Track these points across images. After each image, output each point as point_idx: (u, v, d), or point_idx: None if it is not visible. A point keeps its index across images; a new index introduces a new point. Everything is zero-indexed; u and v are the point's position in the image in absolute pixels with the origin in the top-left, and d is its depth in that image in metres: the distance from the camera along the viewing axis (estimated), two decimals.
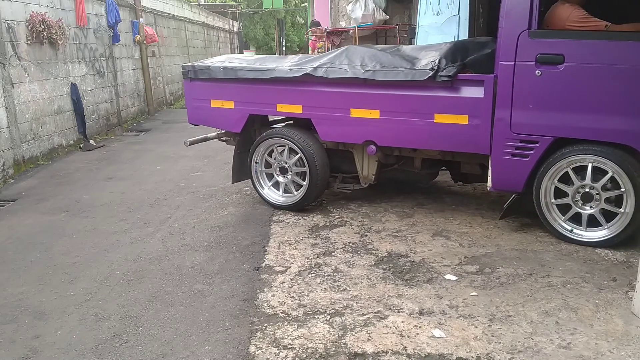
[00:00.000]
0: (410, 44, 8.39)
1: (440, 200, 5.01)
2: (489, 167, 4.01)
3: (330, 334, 2.81)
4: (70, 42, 8.52)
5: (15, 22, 6.93)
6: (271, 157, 4.87)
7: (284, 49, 37.14)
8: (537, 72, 3.69)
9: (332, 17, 9.42)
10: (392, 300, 3.14)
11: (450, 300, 3.13)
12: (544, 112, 3.73)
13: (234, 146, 5.26)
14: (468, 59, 4.10)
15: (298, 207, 4.77)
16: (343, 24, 8.96)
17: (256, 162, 4.92)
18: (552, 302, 3.06)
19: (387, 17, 8.61)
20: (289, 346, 2.71)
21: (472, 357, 2.57)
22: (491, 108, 3.85)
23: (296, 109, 4.61)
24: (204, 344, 2.78)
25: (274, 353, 2.66)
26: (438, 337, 2.74)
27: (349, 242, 4.06)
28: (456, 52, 4.08)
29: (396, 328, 2.84)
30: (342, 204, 4.99)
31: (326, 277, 3.48)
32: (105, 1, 10.00)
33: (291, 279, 3.47)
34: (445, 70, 3.90)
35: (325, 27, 9.06)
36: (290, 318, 2.99)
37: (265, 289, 3.35)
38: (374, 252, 3.86)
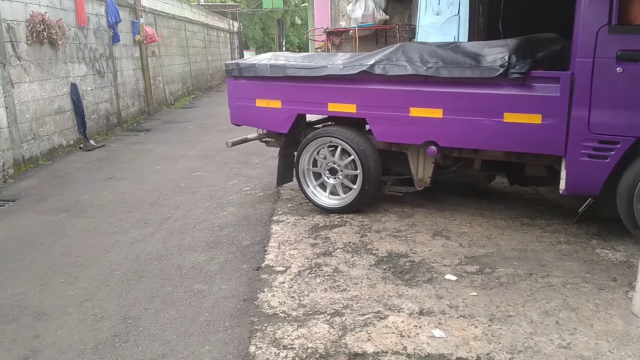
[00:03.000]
0: None
1: (440, 200, 5.01)
2: (562, 170, 3.80)
3: (330, 334, 2.81)
4: (70, 42, 8.52)
5: (15, 22, 6.93)
6: (320, 156, 4.72)
7: (284, 49, 37.18)
8: (618, 69, 3.51)
9: (332, 17, 9.42)
10: (392, 300, 3.14)
11: (450, 300, 3.13)
12: (626, 111, 3.53)
13: (272, 147, 5.13)
14: (538, 55, 3.87)
15: (347, 211, 4.63)
16: (343, 24, 8.96)
17: (304, 161, 4.75)
18: (552, 302, 3.06)
19: (387, 17, 8.61)
20: (289, 346, 2.71)
21: (472, 357, 2.57)
22: (567, 107, 3.66)
23: (349, 108, 4.42)
24: (204, 344, 2.78)
25: (274, 353, 2.66)
26: (438, 337, 2.74)
27: (349, 242, 4.06)
28: (525, 48, 3.86)
29: (396, 328, 2.84)
30: None
31: (326, 277, 3.48)
32: (105, 1, 10.00)
33: (291, 279, 3.47)
34: (517, 67, 3.70)
35: (325, 27, 9.06)
36: (290, 318, 2.99)
37: (265, 289, 3.35)
38: (374, 252, 3.86)
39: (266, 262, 3.76)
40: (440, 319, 2.92)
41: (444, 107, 4.05)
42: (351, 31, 8.48)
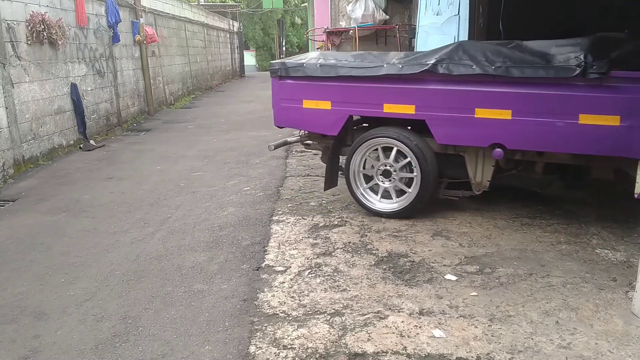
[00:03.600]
0: (410, 44, 8.39)
1: (440, 201, 5.00)
2: (638, 173, 3.61)
3: (330, 334, 2.81)
4: (70, 42, 8.52)
5: (15, 22, 6.93)
6: (372, 158, 4.56)
7: (283, 49, 37.17)
8: None
9: (332, 17, 9.42)
10: (392, 300, 3.14)
11: (450, 300, 3.13)
12: None
13: (314, 150, 5.00)
14: (612, 55, 3.68)
15: (401, 215, 4.47)
16: (343, 24, 8.96)
17: (355, 163, 4.58)
18: (552, 302, 3.06)
19: (387, 17, 8.61)
20: (289, 346, 2.71)
21: (472, 357, 2.57)
22: None
23: (407, 110, 4.23)
24: (204, 344, 2.78)
25: (274, 353, 2.66)
26: (438, 337, 2.74)
27: (349, 242, 4.06)
28: (599, 48, 3.70)
29: (396, 328, 2.84)
30: (342, 204, 4.99)
31: (326, 277, 3.48)
32: (105, 1, 10.00)
33: (291, 279, 3.47)
34: (596, 66, 3.54)
35: (325, 27, 9.07)
36: (290, 318, 2.99)
37: (265, 289, 3.35)
38: (374, 252, 3.86)
39: (266, 262, 3.76)
40: (440, 319, 2.92)
41: (513, 108, 3.88)
42: (351, 31, 8.48)
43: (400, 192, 4.50)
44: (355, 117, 4.78)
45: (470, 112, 4.02)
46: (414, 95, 4.21)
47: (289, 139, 5.22)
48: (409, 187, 4.42)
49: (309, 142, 5.13)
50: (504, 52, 3.93)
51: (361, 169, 4.61)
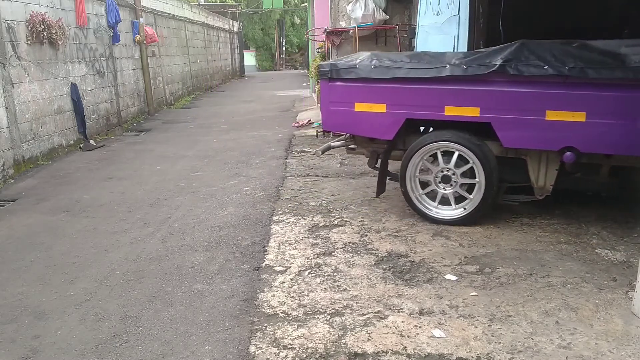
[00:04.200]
0: (410, 44, 8.39)
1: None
2: None
3: (330, 334, 2.81)
4: (70, 42, 8.52)
5: (15, 22, 6.93)
6: (429, 163, 4.37)
7: (283, 49, 37.17)
8: None
9: (332, 17, 9.41)
10: (392, 300, 3.14)
11: (450, 300, 3.13)
12: None
13: (359, 155, 4.81)
14: None
15: (463, 223, 4.29)
16: (343, 24, 8.96)
17: (411, 168, 4.39)
18: (552, 302, 3.06)
19: (387, 17, 8.61)
20: (289, 346, 2.71)
21: (472, 357, 2.57)
22: None
23: (471, 112, 4.04)
24: (204, 344, 2.78)
25: (274, 353, 2.66)
26: (438, 337, 2.74)
27: (349, 242, 4.06)
28: None
29: (396, 328, 2.84)
30: (342, 204, 4.99)
31: (326, 277, 3.48)
32: (105, 1, 10.00)
33: (291, 279, 3.47)
34: None
35: (325, 27, 9.06)
36: (290, 318, 2.99)
37: (265, 289, 3.35)
38: (374, 252, 3.86)
39: (266, 262, 3.76)
40: (440, 319, 2.92)
41: (588, 111, 3.72)
42: (351, 31, 8.47)
43: (458, 199, 4.31)
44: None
45: (540, 115, 3.85)
46: (478, 97, 4.03)
47: (332, 144, 5.00)
48: (470, 193, 4.23)
49: (353, 146, 4.91)
50: (572, 52, 3.78)
51: (417, 174, 4.42)
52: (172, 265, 3.81)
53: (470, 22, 5.91)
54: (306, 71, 20.74)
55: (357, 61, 4.44)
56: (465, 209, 4.28)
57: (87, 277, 3.67)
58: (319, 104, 11.95)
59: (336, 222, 4.51)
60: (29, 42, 7.23)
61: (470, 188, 4.24)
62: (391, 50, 8.76)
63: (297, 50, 38.10)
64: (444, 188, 4.33)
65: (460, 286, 3.30)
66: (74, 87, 8.53)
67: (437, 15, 6.65)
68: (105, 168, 7.07)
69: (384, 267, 3.61)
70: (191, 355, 2.70)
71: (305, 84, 20.06)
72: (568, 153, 3.84)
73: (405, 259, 3.71)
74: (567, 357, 2.55)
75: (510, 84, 3.92)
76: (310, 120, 10.42)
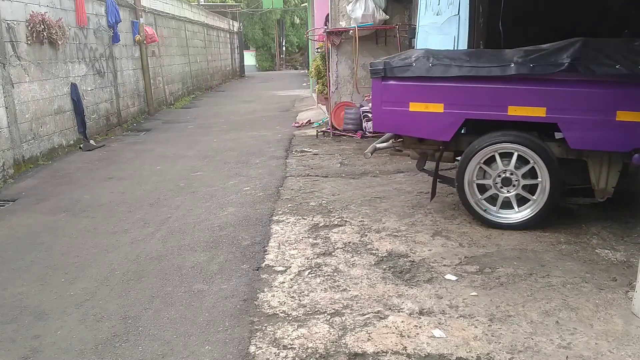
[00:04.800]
0: (410, 44, 8.39)
1: (440, 200, 5.00)
2: None
3: (330, 334, 2.81)
4: (70, 42, 8.52)
5: (15, 22, 6.93)
6: (489, 166, 4.18)
7: (283, 49, 37.16)
8: None
9: (332, 17, 9.41)
10: (392, 300, 3.14)
11: (450, 300, 3.13)
12: None
13: (411, 157, 4.65)
14: None
15: (527, 227, 4.13)
16: (343, 24, 8.96)
17: (470, 171, 4.21)
18: (552, 302, 3.06)
19: (387, 17, 8.60)
20: (289, 346, 2.71)
21: (472, 357, 2.57)
22: None
23: (537, 112, 3.89)
24: (204, 344, 2.78)
25: (274, 353, 2.66)
26: (438, 337, 2.74)
27: (349, 242, 4.06)
28: None
29: (396, 328, 2.84)
30: (342, 204, 4.99)
31: (326, 277, 3.48)
32: (105, 1, 10.00)
33: (291, 279, 3.47)
34: None
35: (325, 27, 9.06)
36: (290, 318, 2.99)
37: (265, 289, 3.35)
38: (374, 252, 3.86)
39: (266, 262, 3.76)
40: (440, 319, 2.92)
41: None
42: (351, 31, 8.47)
43: (522, 202, 4.16)
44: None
45: (611, 115, 3.72)
46: (545, 97, 3.88)
47: (378, 145, 4.82)
48: (533, 195, 4.09)
49: (400, 147, 4.77)
50: (635, 49, 3.66)
51: (475, 177, 4.24)
52: (172, 265, 3.81)
53: (470, 22, 5.91)
54: (306, 71, 20.75)
55: (413, 59, 4.24)
56: (530, 211, 4.11)
57: (87, 277, 3.67)
58: (318, 104, 11.96)
59: (336, 222, 4.51)
60: (29, 42, 7.23)
61: (531, 190, 4.09)
62: (391, 50, 8.76)
63: (297, 50, 38.09)
64: (507, 191, 4.15)
65: (460, 286, 3.30)
66: (74, 87, 8.53)
67: (437, 15, 6.65)
68: (105, 168, 7.07)
69: (384, 267, 3.61)
70: (191, 355, 2.70)
71: (305, 84, 20.06)
72: (636, 155, 3.70)
73: (405, 259, 3.71)
74: (567, 357, 2.55)
75: (580, 83, 3.78)
76: (310, 120, 10.42)
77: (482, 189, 4.24)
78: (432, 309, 3.02)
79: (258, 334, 2.85)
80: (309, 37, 13.68)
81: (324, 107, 10.51)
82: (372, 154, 4.79)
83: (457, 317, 2.93)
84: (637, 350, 2.58)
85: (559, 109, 3.86)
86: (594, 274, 3.41)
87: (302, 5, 32.01)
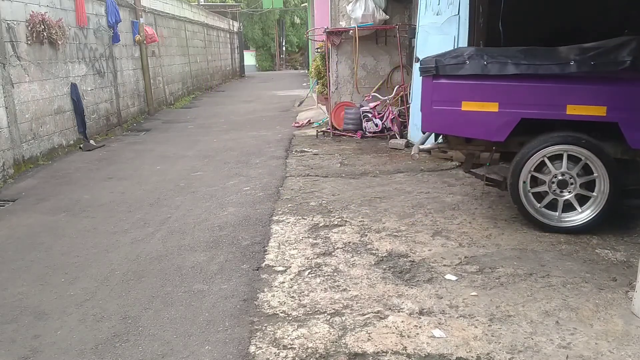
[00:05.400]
0: (410, 44, 8.39)
1: (440, 200, 5.01)
2: None
3: (330, 334, 2.81)
4: (70, 42, 8.52)
5: (15, 22, 6.93)
6: (540, 170, 4.06)
7: (283, 49, 37.17)
8: None
9: (332, 17, 9.41)
10: (392, 300, 3.14)
11: (450, 300, 3.13)
12: None
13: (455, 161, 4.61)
14: None
15: (586, 229, 4.01)
16: (343, 23, 8.96)
17: (525, 173, 4.05)
18: (552, 302, 3.06)
19: (387, 17, 8.60)
20: (289, 346, 2.71)
21: (472, 357, 2.57)
22: None
23: (597, 111, 3.78)
24: (204, 344, 2.78)
25: (274, 353, 2.66)
26: (438, 337, 2.74)
27: (349, 242, 4.06)
28: None
29: (396, 328, 2.84)
30: (342, 204, 4.99)
31: (326, 277, 3.48)
32: (105, 1, 10.00)
33: (291, 279, 3.47)
34: None
35: (325, 27, 9.06)
36: (290, 318, 2.99)
37: (265, 289, 3.35)
38: (374, 252, 3.86)
39: (266, 262, 3.76)
40: (440, 319, 2.92)
41: None
42: (351, 31, 8.48)
43: (582, 204, 4.04)
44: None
45: None
46: (606, 96, 3.78)
47: (421, 146, 4.66)
48: (590, 197, 3.99)
49: (445, 149, 4.64)
50: None
51: (529, 180, 4.08)
52: (172, 265, 3.81)
53: (470, 22, 5.91)
54: (306, 71, 20.74)
55: (466, 57, 4.10)
56: (589, 213, 3.98)
57: (87, 277, 3.67)
58: (318, 104, 11.96)
59: (336, 222, 4.51)
60: (29, 42, 7.23)
61: (588, 189, 3.99)
62: (391, 50, 8.77)
63: (297, 50, 38.11)
64: (569, 194, 4.01)
65: (460, 286, 3.30)
66: (74, 87, 8.53)
67: (437, 15, 6.66)
68: (105, 168, 7.07)
69: (384, 267, 3.61)
70: (191, 355, 2.70)
71: (305, 84, 20.06)
72: None
73: (405, 259, 3.71)
74: (567, 357, 2.55)
75: None
76: (310, 120, 10.42)
77: (537, 193, 4.11)
78: (432, 309, 3.02)
79: (258, 334, 2.85)
80: (309, 37, 13.68)
81: (324, 107, 10.51)
82: (419, 154, 4.67)
83: (457, 317, 2.93)
84: (637, 350, 2.58)
85: (620, 108, 3.75)
86: (594, 274, 3.41)
87: (302, 5, 32.00)
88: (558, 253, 3.74)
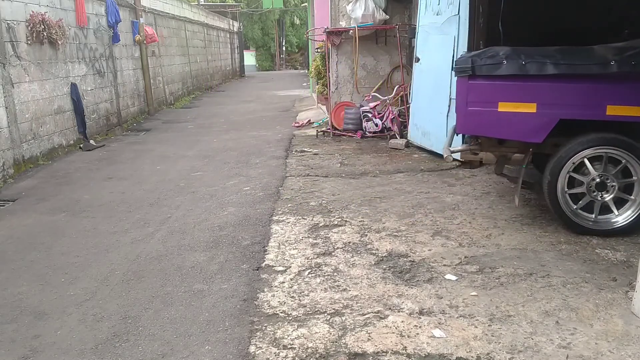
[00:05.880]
0: (410, 44, 8.39)
1: (440, 200, 5.01)
2: None
3: (330, 334, 2.81)
4: (70, 42, 8.52)
5: (15, 22, 6.93)
6: (579, 172, 4.00)
7: (283, 49, 37.18)
8: None
9: (332, 17, 9.41)
10: (392, 300, 3.14)
11: (450, 300, 3.13)
12: None
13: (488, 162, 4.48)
14: None
15: (628, 230, 3.97)
16: (343, 23, 8.96)
17: (563, 175, 3.99)
18: (552, 302, 3.06)
19: (387, 17, 8.60)
20: (289, 346, 2.71)
21: (472, 357, 2.57)
22: None
23: (638, 111, 3.74)
24: (204, 344, 2.78)
25: (274, 353, 2.66)
26: (438, 337, 2.74)
27: (349, 242, 4.06)
28: None
29: (396, 328, 2.84)
30: (342, 204, 4.99)
31: (326, 277, 3.48)
32: (105, 1, 10.00)
33: (291, 279, 3.47)
34: None
35: (325, 27, 9.07)
36: (290, 318, 2.99)
37: (265, 289, 3.35)
38: (374, 252, 3.86)
39: (266, 262, 3.76)
40: (440, 319, 2.92)
41: None
42: (351, 31, 8.48)
43: (621, 205, 4.00)
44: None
45: None
46: None
47: (452, 148, 4.55)
48: (632, 194, 3.94)
49: (476, 150, 4.52)
50: None
51: (566, 183, 4.02)
52: (172, 265, 3.81)
53: (470, 22, 5.90)
54: (306, 71, 20.75)
55: (502, 56, 4.01)
56: (632, 212, 3.93)
57: (87, 277, 3.67)
58: (318, 104, 11.95)
59: (336, 222, 4.51)
60: (29, 42, 7.23)
61: (626, 191, 3.95)
62: (391, 50, 8.77)
63: (296, 50, 38.11)
64: (603, 195, 3.97)
65: (460, 286, 3.30)
66: (74, 87, 8.53)
67: (437, 15, 6.66)
68: (105, 168, 7.07)
69: (384, 267, 3.61)
70: (191, 355, 2.70)
71: (305, 84, 20.06)
72: None
73: (405, 259, 3.71)
74: (567, 357, 2.55)
75: None
76: (310, 120, 10.42)
77: (574, 195, 4.06)
78: (432, 309, 3.02)
79: (258, 333, 2.85)
80: (309, 37, 13.68)
81: (324, 107, 10.51)
82: (451, 156, 4.57)
83: (457, 317, 2.93)
84: (637, 350, 2.58)
85: None
86: (594, 274, 3.41)
87: (302, 5, 32.00)
88: (558, 253, 3.74)
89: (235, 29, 27.96)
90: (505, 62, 3.97)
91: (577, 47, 4.12)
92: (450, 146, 4.63)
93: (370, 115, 8.23)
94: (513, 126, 4.06)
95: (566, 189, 4.02)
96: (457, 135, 4.58)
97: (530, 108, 3.96)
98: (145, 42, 12.11)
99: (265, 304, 3.16)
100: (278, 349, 2.69)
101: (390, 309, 3.05)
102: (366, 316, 2.97)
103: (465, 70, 4.09)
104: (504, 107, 4.03)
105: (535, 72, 3.89)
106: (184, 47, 16.91)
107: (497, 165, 4.58)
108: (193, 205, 5.21)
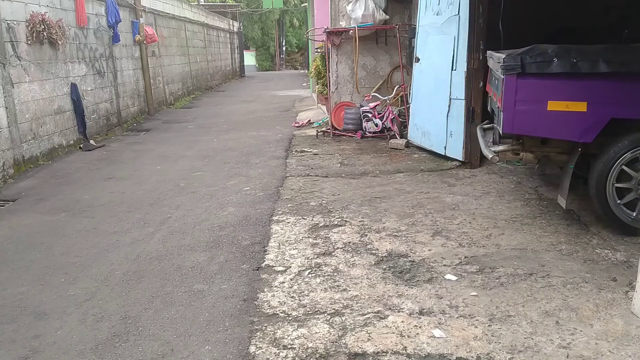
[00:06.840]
0: (410, 44, 8.39)
1: (440, 200, 5.01)
2: None
3: (330, 334, 2.81)
4: (70, 42, 8.52)
5: (15, 22, 6.93)
6: (630, 168, 3.95)
7: (283, 49, 37.18)
8: None
9: (332, 17, 9.41)
10: (392, 300, 3.14)
11: (450, 300, 3.13)
12: None
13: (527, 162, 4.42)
14: None
15: None
16: (343, 23, 8.96)
17: (613, 175, 3.95)
18: (552, 302, 3.06)
19: (387, 17, 8.60)
20: (289, 346, 2.71)
21: (472, 357, 2.57)
22: None
23: None
24: (204, 344, 2.78)
25: (274, 353, 2.66)
26: (438, 337, 2.74)
27: (349, 242, 4.06)
28: None
29: (396, 328, 2.84)
30: (342, 204, 4.99)
31: (326, 277, 3.48)
32: (105, 1, 10.00)
33: (291, 279, 3.47)
34: None
35: (325, 27, 9.07)
36: (290, 318, 2.99)
37: (265, 289, 3.35)
38: (374, 252, 3.86)
39: (266, 262, 3.76)
40: (440, 319, 2.92)
41: None
42: (351, 31, 8.47)
43: None
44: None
45: None
46: None
47: (492, 148, 4.50)
48: None
49: (517, 150, 4.47)
50: None
51: (615, 181, 3.98)
52: (172, 265, 3.81)
53: (470, 22, 5.92)
54: (306, 71, 20.75)
55: (552, 54, 3.92)
56: None
57: (87, 277, 3.67)
58: (318, 104, 11.95)
59: (336, 222, 4.51)
60: (29, 42, 7.23)
61: None
62: (391, 50, 8.77)
63: (296, 51, 38.12)
64: None
65: (460, 286, 3.30)
66: (74, 87, 8.53)
67: (437, 15, 6.66)
68: (105, 168, 7.07)
69: (384, 267, 3.61)
70: (191, 355, 2.70)
71: (305, 84, 20.06)
72: None
73: (405, 259, 3.71)
74: (567, 357, 2.55)
75: None
76: (310, 120, 10.42)
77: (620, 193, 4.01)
78: (432, 309, 3.02)
79: (258, 334, 2.85)
80: (309, 37, 13.68)
81: (324, 107, 10.51)
82: (497, 157, 4.52)
83: (457, 317, 2.93)
84: (637, 350, 2.58)
85: None
86: (594, 274, 3.41)
87: (302, 5, 32.00)
88: (558, 253, 3.74)
89: (235, 29, 27.95)
90: (556, 59, 3.88)
91: (626, 45, 4.05)
92: (486, 147, 4.55)
93: (370, 115, 8.23)
94: (562, 125, 3.98)
95: (614, 181, 3.95)
96: (502, 135, 4.44)
97: (581, 107, 3.87)
98: (145, 42, 12.11)
99: (265, 304, 3.16)
100: (278, 349, 2.69)
101: (390, 309, 3.05)
102: (366, 316, 2.97)
103: (513, 68, 3.98)
104: (553, 106, 3.94)
105: (587, 70, 3.81)
106: (184, 47, 16.90)
107: (540, 165, 4.51)
108: (193, 205, 5.21)
